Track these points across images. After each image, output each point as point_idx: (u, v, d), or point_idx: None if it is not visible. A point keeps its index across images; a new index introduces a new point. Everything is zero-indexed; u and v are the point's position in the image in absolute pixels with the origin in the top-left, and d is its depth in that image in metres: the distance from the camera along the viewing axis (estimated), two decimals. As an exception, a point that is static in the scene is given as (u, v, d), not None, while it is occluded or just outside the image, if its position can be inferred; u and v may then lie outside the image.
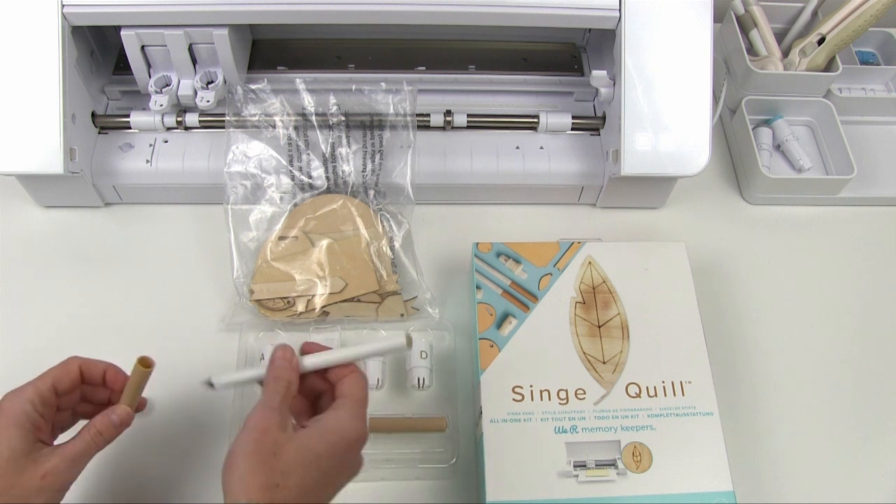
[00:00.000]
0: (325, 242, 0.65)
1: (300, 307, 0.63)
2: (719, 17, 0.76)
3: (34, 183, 0.68)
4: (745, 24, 0.80)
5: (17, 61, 0.61)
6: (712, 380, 0.58)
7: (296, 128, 0.67)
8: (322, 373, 0.49)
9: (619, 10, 0.62)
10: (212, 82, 0.68)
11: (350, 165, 0.67)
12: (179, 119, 0.68)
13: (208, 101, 0.67)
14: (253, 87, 0.67)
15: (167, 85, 0.68)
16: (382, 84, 0.68)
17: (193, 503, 0.56)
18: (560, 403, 0.56)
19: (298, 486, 0.42)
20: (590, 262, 0.63)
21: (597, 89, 0.68)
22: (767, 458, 0.61)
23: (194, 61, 0.67)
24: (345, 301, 0.64)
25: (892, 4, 0.72)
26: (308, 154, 0.67)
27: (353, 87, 0.68)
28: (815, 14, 0.80)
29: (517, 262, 0.62)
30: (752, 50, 0.80)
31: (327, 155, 0.67)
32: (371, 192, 0.67)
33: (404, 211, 0.67)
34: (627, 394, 0.57)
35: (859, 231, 0.74)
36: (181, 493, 0.56)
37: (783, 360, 0.66)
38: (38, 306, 0.65)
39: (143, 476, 0.57)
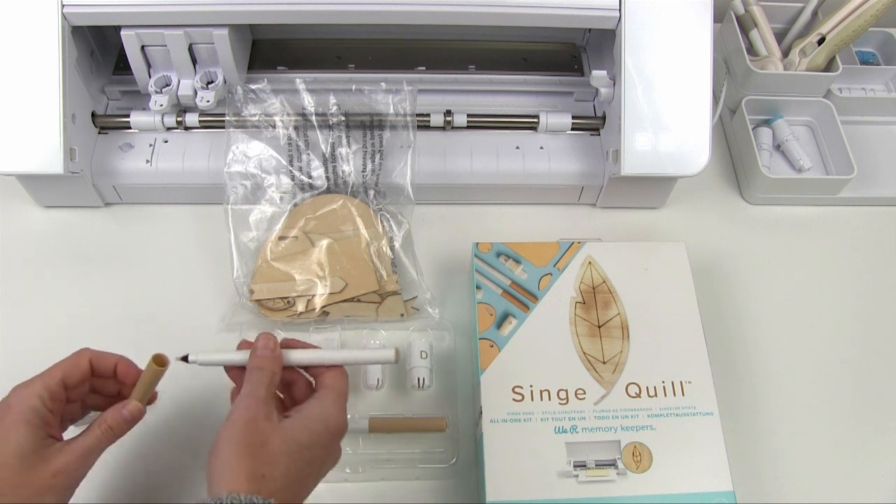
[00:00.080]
0: (325, 242, 0.65)
1: (300, 307, 0.63)
2: (719, 17, 0.76)
3: (34, 183, 0.68)
4: (745, 24, 0.80)
5: (17, 61, 0.61)
6: (712, 380, 0.58)
7: (296, 128, 0.67)
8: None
9: (619, 10, 0.62)
10: (212, 82, 0.68)
11: (350, 165, 0.67)
12: (179, 119, 0.68)
13: (208, 101, 0.67)
14: (253, 87, 0.67)
15: (167, 85, 0.68)
16: (382, 84, 0.68)
17: (192, 503, 0.56)
18: (560, 403, 0.56)
19: (284, 477, 0.43)
20: (590, 262, 0.63)
21: (597, 89, 0.68)
22: (767, 458, 0.61)
23: (194, 61, 0.67)
24: (345, 301, 0.64)
25: (892, 4, 0.72)
26: (308, 154, 0.67)
27: (353, 87, 0.68)
28: (815, 14, 0.80)
29: (517, 262, 0.63)
30: (752, 50, 0.80)
31: (327, 155, 0.67)
32: (371, 192, 0.67)
33: (404, 211, 0.67)
34: (627, 394, 0.57)
35: (859, 231, 0.74)
36: (180, 492, 0.56)
37: (783, 360, 0.66)
38: (38, 306, 0.65)
39: (143, 475, 0.57)
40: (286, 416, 0.46)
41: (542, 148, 0.71)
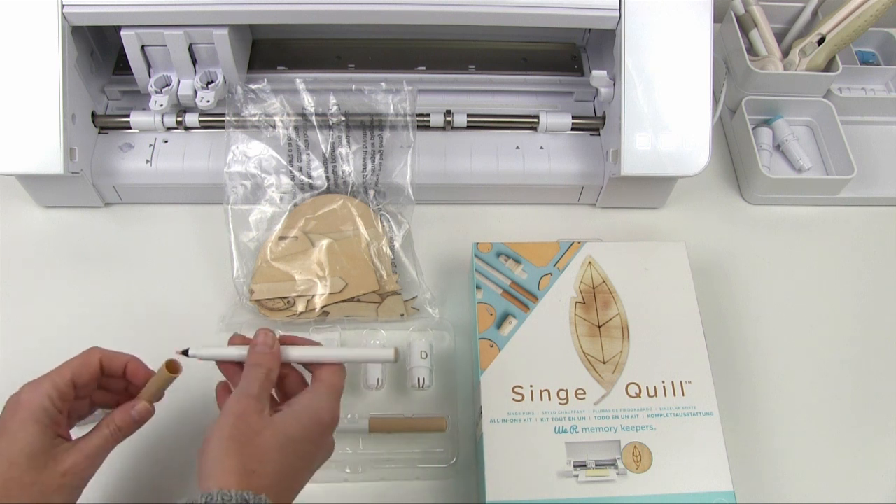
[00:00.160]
0: (325, 242, 0.65)
1: (300, 307, 0.63)
2: (719, 17, 0.76)
3: (34, 183, 0.68)
4: (745, 24, 0.80)
5: (17, 61, 0.61)
6: (712, 380, 0.58)
7: (296, 128, 0.67)
8: None
9: (619, 10, 0.62)
10: (212, 82, 0.68)
11: (350, 165, 0.67)
12: (179, 119, 0.68)
13: (208, 101, 0.67)
14: (253, 87, 0.67)
15: (167, 85, 0.68)
16: (382, 84, 0.68)
17: (183, 501, 0.56)
18: (560, 403, 0.56)
19: (275, 472, 0.43)
20: (590, 262, 0.63)
21: (597, 89, 0.68)
22: (767, 458, 0.61)
23: (194, 61, 0.67)
24: (345, 301, 0.64)
25: (892, 4, 0.72)
26: (308, 154, 0.67)
27: (353, 87, 0.68)
28: (815, 14, 0.80)
29: (517, 262, 0.62)
30: (752, 50, 0.80)
31: (327, 155, 0.67)
32: (371, 192, 0.67)
33: (404, 211, 0.67)
34: (627, 394, 0.57)
35: (859, 231, 0.74)
36: (185, 492, 0.56)
37: (783, 360, 0.66)
38: (38, 306, 0.65)
39: (143, 477, 0.57)
40: (276, 411, 0.46)
41: (542, 148, 0.71)
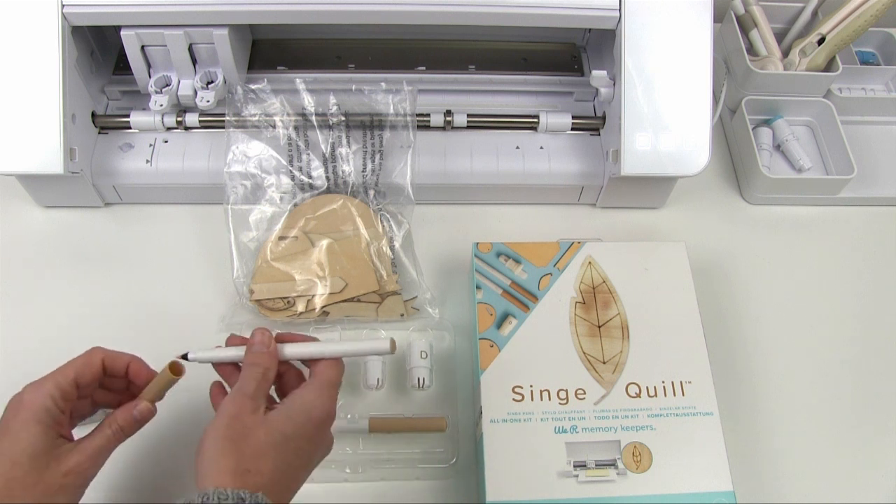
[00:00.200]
0: (325, 242, 0.65)
1: (300, 307, 0.63)
2: (719, 17, 0.76)
3: (34, 183, 0.68)
4: (745, 24, 0.80)
5: (17, 61, 0.61)
6: (712, 380, 0.58)
7: (296, 128, 0.67)
8: None
9: (619, 10, 0.62)
10: (212, 82, 0.68)
11: (350, 165, 0.67)
12: (179, 119, 0.68)
13: (208, 101, 0.67)
14: (253, 87, 0.67)
15: (167, 85, 0.68)
16: (382, 84, 0.68)
17: (180, 501, 0.56)
18: (560, 403, 0.56)
19: (271, 470, 0.43)
20: (590, 262, 0.63)
21: (597, 89, 0.68)
22: (767, 458, 0.61)
23: (194, 61, 0.67)
24: (345, 301, 0.64)
25: (892, 4, 0.72)
26: (308, 154, 0.67)
27: (353, 87, 0.68)
28: (815, 14, 0.80)
29: (517, 262, 0.62)
30: (752, 50, 0.80)
31: (327, 155, 0.67)
32: (371, 192, 0.67)
33: (404, 211, 0.67)
34: (627, 394, 0.57)
35: (859, 231, 0.74)
36: (176, 497, 0.56)
37: (783, 360, 0.66)
38: (38, 306, 0.65)
39: (144, 477, 0.57)
40: (270, 409, 0.46)
41: (542, 148, 0.71)
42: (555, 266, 0.62)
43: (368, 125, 0.68)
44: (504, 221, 0.72)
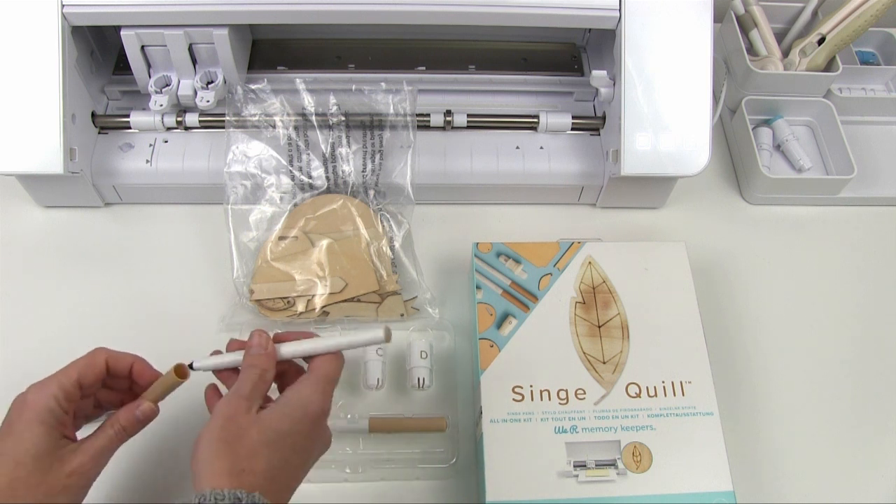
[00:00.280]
0: (325, 242, 0.65)
1: (300, 307, 0.63)
2: (719, 17, 0.76)
3: (34, 183, 0.68)
4: (745, 24, 0.80)
5: (17, 61, 0.61)
6: (712, 380, 0.58)
7: (296, 128, 0.67)
8: None
9: (619, 10, 0.62)
10: (212, 82, 0.68)
11: (350, 165, 0.67)
12: (179, 119, 0.68)
13: (208, 101, 0.67)
14: (253, 87, 0.67)
15: (167, 85, 0.68)
16: (382, 84, 0.68)
17: (177, 503, 0.56)
18: (560, 403, 0.56)
19: (266, 468, 0.43)
20: (590, 262, 0.63)
21: (597, 89, 0.68)
22: (767, 458, 0.61)
23: (194, 61, 0.67)
24: (345, 301, 0.64)
25: (892, 4, 0.72)
26: (308, 154, 0.67)
27: (353, 87, 0.68)
28: (815, 14, 0.80)
29: (517, 262, 0.62)
30: (752, 50, 0.80)
31: (327, 155, 0.67)
32: (371, 192, 0.67)
33: (404, 211, 0.67)
34: (627, 394, 0.57)
35: (859, 231, 0.74)
36: (176, 497, 0.56)
37: (783, 360, 0.66)
38: (38, 306, 0.65)
39: (143, 478, 0.57)
40: (264, 407, 0.46)
41: (542, 148, 0.71)
42: (555, 266, 0.62)
43: (368, 125, 0.68)
44: (504, 221, 0.72)
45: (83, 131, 0.66)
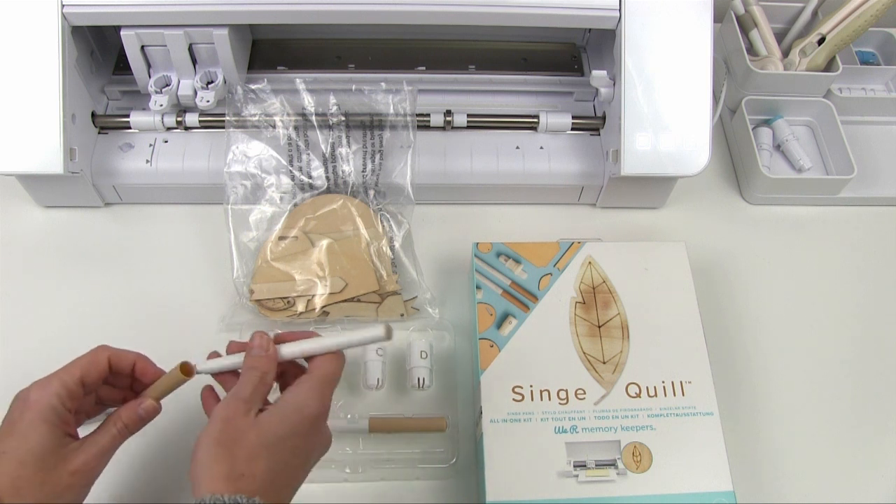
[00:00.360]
0: (325, 242, 0.65)
1: (300, 307, 0.63)
2: (719, 17, 0.76)
3: (34, 183, 0.68)
4: (745, 24, 0.80)
5: (17, 61, 0.61)
6: (712, 380, 0.58)
7: (296, 128, 0.67)
8: None
9: (619, 10, 0.62)
10: (212, 82, 0.68)
11: (350, 165, 0.67)
12: (179, 119, 0.68)
13: (208, 101, 0.67)
14: (253, 87, 0.67)
15: (167, 85, 0.68)
16: (382, 84, 0.68)
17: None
18: (560, 403, 0.56)
19: (265, 472, 0.42)
20: (590, 262, 0.63)
21: (597, 89, 0.68)
22: (767, 458, 0.61)
23: (194, 61, 0.67)
24: (345, 301, 0.64)
25: (892, 4, 0.72)
26: (308, 154, 0.67)
27: (353, 87, 0.68)
28: (815, 14, 0.80)
29: (517, 262, 0.62)
30: (752, 50, 0.80)
31: (327, 155, 0.67)
32: (371, 192, 0.67)
33: (404, 211, 0.67)
34: (627, 394, 0.57)
35: (859, 231, 0.74)
36: (178, 497, 0.56)
37: (783, 360, 0.66)
38: (38, 306, 0.65)
39: (143, 478, 0.57)
40: (262, 410, 0.45)
41: (542, 148, 0.71)
42: (555, 266, 0.62)
43: (368, 125, 0.68)
44: (504, 221, 0.72)
45: (83, 131, 0.66)
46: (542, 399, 0.56)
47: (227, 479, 0.41)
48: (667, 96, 0.63)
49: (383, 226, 0.67)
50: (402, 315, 0.64)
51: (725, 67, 0.80)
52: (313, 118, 0.67)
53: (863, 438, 0.62)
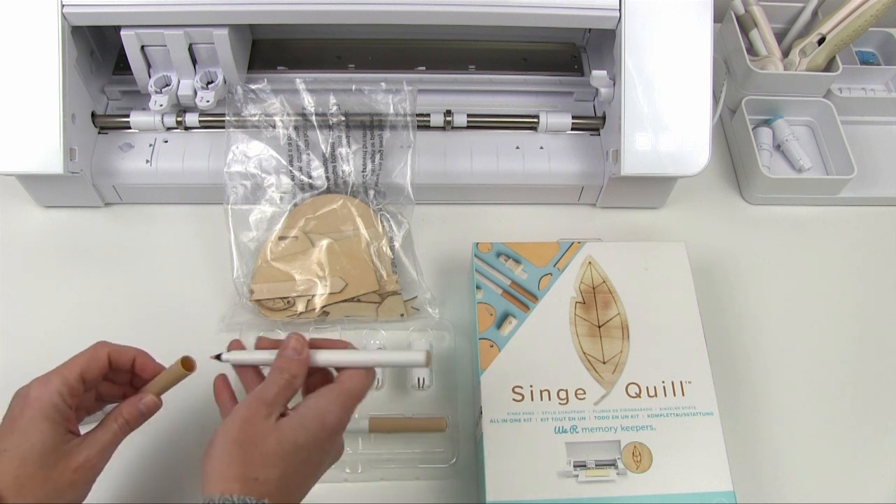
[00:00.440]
0: (325, 242, 0.65)
1: (300, 307, 0.63)
2: (719, 17, 0.76)
3: (34, 183, 0.68)
4: (745, 24, 0.80)
5: (17, 61, 0.61)
6: (712, 380, 0.58)
7: (296, 128, 0.67)
8: None
9: (619, 10, 0.62)
10: (212, 82, 0.68)
11: (350, 165, 0.67)
12: (179, 119, 0.68)
13: (208, 101, 0.67)
14: (253, 87, 0.67)
15: (167, 85, 0.68)
16: (382, 84, 0.68)
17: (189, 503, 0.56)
18: (560, 403, 0.56)
19: (279, 479, 0.42)
20: (590, 262, 0.63)
21: (597, 89, 0.68)
22: (767, 458, 0.61)
23: (194, 61, 0.67)
24: (345, 301, 0.64)
25: (892, 4, 0.72)
26: (308, 154, 0.67)
27: (353, 87, 0.68)
28: (815, 14, 0.80)
29: (517, 262, 0.62)
30: (752, 50, 0.80)
31: (327, 155, 0.67)
32: (371, 192, 0.67)
33: (404, 211, 0.67)
34: (627, 394, 0.57)
35: (859, 231, 0.74)
36: (180, 496, 0.56)
37: (783, 359, 0.66)
38: (38, 306, 0.65)
39: (143, 477, 0.57)
40: (283, 415, 0.45)
41: (542, 148, 0.71)
42: (555, 266, 0.62)
43: (368, 125, 0.68)
44: (504, 221, 0.72)
45: (83, 131, 0.66)
46: (542, 399, 0.56)
47: (241, 480, 0.41)
48: (667, 96, 0.63)
49: (383, 226, 0.67)
50: (402, 315, 0.64)
51: (725, 67, 0.80)
52: (313, 118, 0.67)
53: (863, 438, 0.62)
